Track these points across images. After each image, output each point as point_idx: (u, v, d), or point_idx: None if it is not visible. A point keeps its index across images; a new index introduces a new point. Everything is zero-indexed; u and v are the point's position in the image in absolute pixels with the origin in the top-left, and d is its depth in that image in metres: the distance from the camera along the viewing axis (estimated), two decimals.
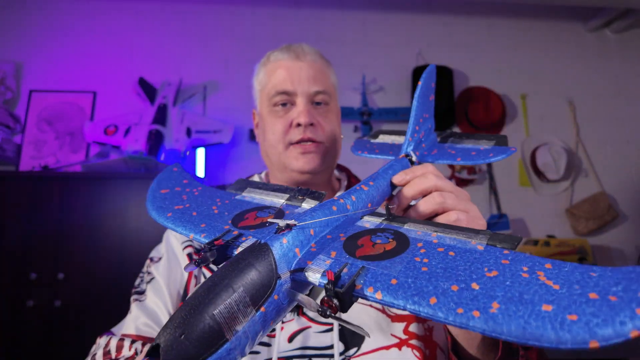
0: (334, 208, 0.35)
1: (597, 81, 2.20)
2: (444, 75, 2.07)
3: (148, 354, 0.23)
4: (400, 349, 0.49)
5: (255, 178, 0.69)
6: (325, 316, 0.25)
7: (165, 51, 2.02)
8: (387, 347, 0.49)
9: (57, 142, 1.84)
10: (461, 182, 2.01)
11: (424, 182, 0.40)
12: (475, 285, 0.24)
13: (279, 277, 0.27)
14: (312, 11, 2.15)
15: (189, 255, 0.58)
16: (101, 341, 0.55)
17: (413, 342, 0.50)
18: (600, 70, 2.21)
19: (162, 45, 2.03)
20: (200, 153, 1.89)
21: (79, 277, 1.39)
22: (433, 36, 2.18)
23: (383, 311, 0.51)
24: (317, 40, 2.11)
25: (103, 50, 2.00)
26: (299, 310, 0.51)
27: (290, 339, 0.49)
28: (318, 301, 0.25)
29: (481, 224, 0.39)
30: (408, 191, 0.41)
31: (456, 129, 2.10)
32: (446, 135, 0.51)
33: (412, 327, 0.51)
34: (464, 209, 0.39)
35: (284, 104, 0.61)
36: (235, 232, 0.33)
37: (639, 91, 2.20)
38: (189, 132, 1.81)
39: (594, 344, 0.18)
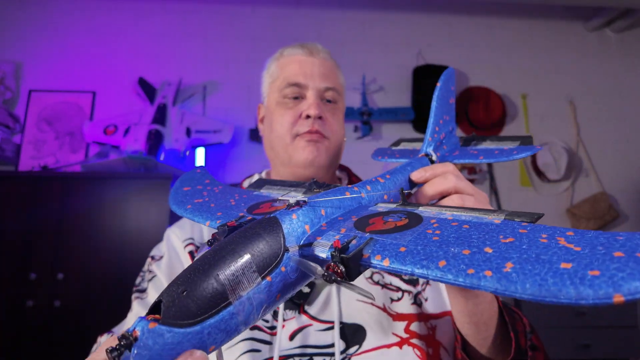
0: (347, 194, 0.35)
1: (598, 81, 2.19)
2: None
3: (150, 311, 0.23)
4: (401, 348, 0.49)
5: (255, 177, 0.69)
6: (331, 281, 0.24)
7: (165, 51, 2.02)
8: (388, 346, 0.48)
9: (56, 142, 1.84)
10: None
11: (444, 183, 0.39)
12: (488, 249, 0.23)
13: (287, 250, 0.27)
14: (312, 11, 2.15)
15: (191, 253, 0.58)
16: (102, 340, 0.55)
17: (414, 341, 0.49)
18: (600, 70, 2.21)
19: (162, 45, 2.03)
20: (200, 153, 1.89)
21: (78, 277, 1.39)
22: (433, 36, 2.18)
23: (384, 310, 0.51)
24: (318, 40, 2.09)
25: (103, 50, 2.00)
26: (300, 308, 0.50)
27: (292, 337, 0.49)
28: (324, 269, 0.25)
29: None
30: (427, 190, 0.40)
31: (457, 129, 2.10)
32: (469, 139, 0.51)
33: (414, 326, 0.50)
34: None
35: (294, 97, 0.62)
36: (249, 218, 0.33)
37: (639, 90, 2.20)
38: (188, 132, 1.80)
39: (618, 298, 0.17)
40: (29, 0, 2.02)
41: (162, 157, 1.71)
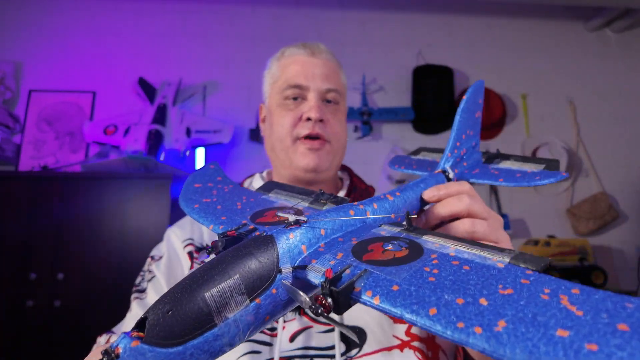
0: (352, 212, 0.33)
1: (598, 81, 2.19)
2: (444, 74, 2.07)
3: (135, 327, 0.23)
4: (402, 351, 0.48)
5: (257, 177, 0.68)
6: (317, 314, 0.23)
7: (165, 51, 2.02)
8: (389, 349, 0.48)
9: (56, 142, 1.84)
10: None
11: (457, 204, 0.37)
12: (483, 301, 0.21)
13: (280, 271, 0.26)
14: (312, 11, 2.15)
15: (190, 254, 0.58)
16: (101, 340, 0.55)
17: (415, 344, 0.49)
18: (600, 70, 2.21)
19: (161, 45, 2.03)
20: (200, 153, 1.89)
21: (78, 277, 1.39)
22: (433, 36, 2.18)
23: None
24: (317, 40, 2.10)
25: (103, 50, 2.00)
26: (300, 309, 0.50)
27: (292, 338, 0.49)
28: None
29: None
30: (439, 210, 0.38)
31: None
32: (492, 156, 0.48)
33: (415, 329, 0.50)
34: (495, 239, 0.37)
35: (295, 98, 0.61)
36: (251, 227, 0.33)
37: (639, 91, 2.20)
38: (188, 132, 1.80)
39: None
40: (29, 0, 2.02)
41: (162, 157, 1.70)
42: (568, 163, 2.01)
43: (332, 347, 0.48)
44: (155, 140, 1.68)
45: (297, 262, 0.28)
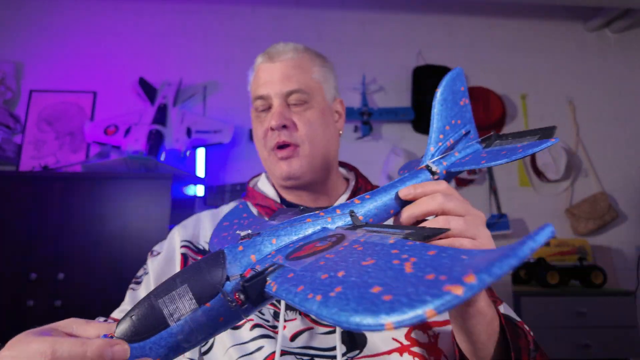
0: (309, 220, 0.35)
1: (597, 81, 2.20)
2: (444, 75, 2.07)
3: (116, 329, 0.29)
4: (401, 355, 0.48)
5: (263, 177, 0.69)
6: (233, 307, 0.28)
7: (165, 51, 2.02)
8: (389, 352, 0.48)
9: (57, 142, 1.84)
10: (461, 182, 2.02)
11: (430, 203, 0.36)
12: (341, 273, 0.23)
13: (228, 279, 0.30)
14: (312, 11, 2.15)
15: (184, 255, 0.58)
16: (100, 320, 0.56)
17: (415, 349, 0.49)
18: (600, 70, 2.21)
19: (162, 45, 2.03)
20: (201, 153, 1.89)
21: (79, 277, 1.39)
22: (433, 36, 2.18)
23: None
24: (317, 40, 2.11)
25: (103, 50, 2.00)
26: (300, 311, 0.50)
27: (293, 338, 0.49)
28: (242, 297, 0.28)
29: None
30: (413, 210, 0.37)
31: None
32: (489, 141, 0.45)
33: (415, 334, 0.50)
34: (472, 236, 0.36)
35: (263, 109, 0.60)
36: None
37: (639, 91, 2.20)
38: (189, 132, 1.81)
39: (389, 326, 0.17)
40: (29, 0, 2.02)
41: (162, 157, 1.71)
42: (567, 163, 2.01)
43: (333, 349, 0.48)
44: (155, 141, 1.69)
45: (246, 270, 0.31)
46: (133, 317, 0.28)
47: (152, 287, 0.56)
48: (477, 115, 2.03)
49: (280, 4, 2.14)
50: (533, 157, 2.05)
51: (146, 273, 0.59)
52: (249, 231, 0.34)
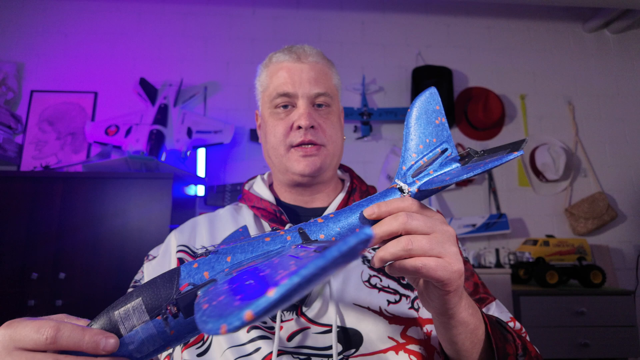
0: (267, 239, 0.36)
1: (596, 81, 2.20)
2: (444, 75, 2.08)
3: None
4: (397, 353, 0.48)
5: (258, 180, 0.69)
6: (166, 319, 0.30)
7: (166, 52, 2.03)
8: (384, 351, 0.48)
9: (58, 142, 1.85)
10: (460, 183, 2.02)
11: (392, 223, 0.35)
12: (225, 286, 0.26)
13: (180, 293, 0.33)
14: (312, 12, 2.16)
15: (180, 260, 0.58)
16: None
17: (411, 347, 0.49)
18: (599, 71, 2.22)
19: (163, 46, 2.04)
20: (201, 153, 1.90)
21: (80, 276, 1.39)
22: (432, 37, 2.19)
23: (380, 313, 0.50)
24: (318, 41, 2.12)
25: (104, 50, 2.00)
26: (297, 310, 0.51)
27: (290, 338, 0.49)
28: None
29: (455, 269, 0.35)
30: (376, 231, 0.36)
31: (455, 130, 2.11)
32: (469, 159, 0.44)
33: (411, 331, 0.50)
34: (437, 254, 0.35)
35: (285, 106, 0.61)
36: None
37: (637, 91, 2.21)
38: (189, 132, 1.81)
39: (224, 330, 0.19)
40: (30, 1, 2.03)
41: (163, 158, 1.71)
42: (566, 163, 2.02)
43: (329, 348, 0.48)
44: (156, 141, 1.69)
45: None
46: (93, 325, 0.31)
47: None
48: (476, 115, 2.04)
49: (280, 5, 2.15)
50: (532, 158, 2.06)
51: (141, 278, 0.59)
52: (207, 248, 0.35)
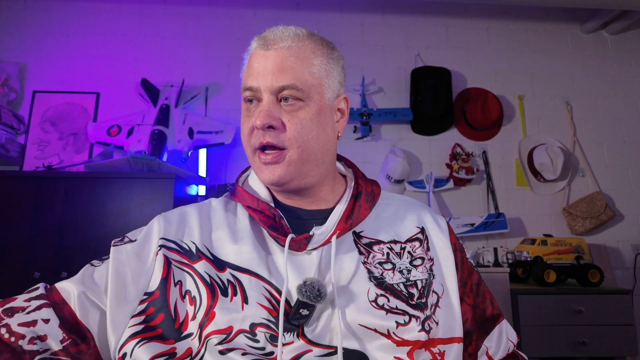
0: None
1: (594, 82, 2.22)
2: (442, 76, 2.10)
3: None
4: None
5: (253, 175, 0.62)
6: None
7: (167, 53, 2.04)
8: None
9: (60, 142, 1.86)
10: (459, 182, 2.04)
11: None
12: None
13: None
14: (312, 13, 2.17)
15: (166, 258, 0.51)
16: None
17: None
18: (596, 71, 2.23)
19: (164, 47, 2.05)
20: (202, 153, 1.91)
21: None
22: (431, 38, 2.20)
23: (388, 336, 0.47)
24: None
25: (106, 51, 2.02)
26: (298, 332, 0.46)
27: None
28: None
29: None
30: None
31: (454, 130, 2.12)
32: None
33: (416, 354, 0.47)
34: None
35: (250, 101, 0.53)
36: None
37: (635, 92, 2.23)
38: (191, 132, 1.82)
39: None
40: (33, 2, 2.04)
41: (165, 158, 1.72)
42: (564, 163, 2.03)
43: None
44: (158, 141, 1.70)
45: None
46: None
47: (110, 274, 0.49)
48: (474, 116, 2.06)
49: (280, 7, 2.16)
50: (530, 158, 2.07)
51: (106, 262, 0.52)
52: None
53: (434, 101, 2.05)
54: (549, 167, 2.00)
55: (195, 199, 1.85)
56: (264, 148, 0.51)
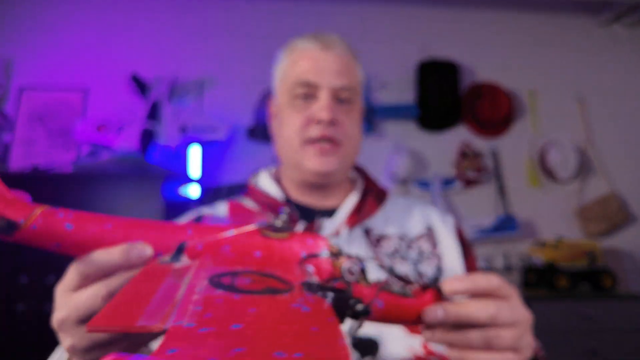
0: None
1: (608, 77, 2.14)
2: (450, 70, 2.02)
3: None
4: None
5: (262, 175, 0.66)
6: None
7: (159, 46, 1.98)
8: None
9: (48, 141, 1.81)
10: (468, 183, 1.97)
11: (479, 313, 0.31)
12: None
13: None
14: (312, 5, 2.10)
15: None
16: None
17: (432, 358, 0.47)
18: (611, 66, 2.15)
19: (156, 40, 1.98)
20: (196, 152, 1.85)
21: None
22: (438, 30, 2.13)
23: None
24: None
25: (95, 46, 1.96)
26: None
27: None
28: None
29: None
30: (456, 310, 0.31)
31: (462, 127, 2.05)
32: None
33: (432, 344, 0.48)
34: (515, 348, 0.32)
35: (305, 97, 0.57)
36: None
37: None
38: (183, 129, 1.78)
39: None
40: None
41: (156, 156, 1.67)
42: (577, 163, 1.96)
43: None
44: (149, 139, 1.66)
45: None
46: None
47: None
48: (482, 111, 1.98)
49: None
50: (542, 157, 2.01)
51: None
52: None
53: (441, 96, 1.98)
54: (561, 167, 1.94)
55: (187, 200, 1.80)
56: (319, 140, 0.56)
